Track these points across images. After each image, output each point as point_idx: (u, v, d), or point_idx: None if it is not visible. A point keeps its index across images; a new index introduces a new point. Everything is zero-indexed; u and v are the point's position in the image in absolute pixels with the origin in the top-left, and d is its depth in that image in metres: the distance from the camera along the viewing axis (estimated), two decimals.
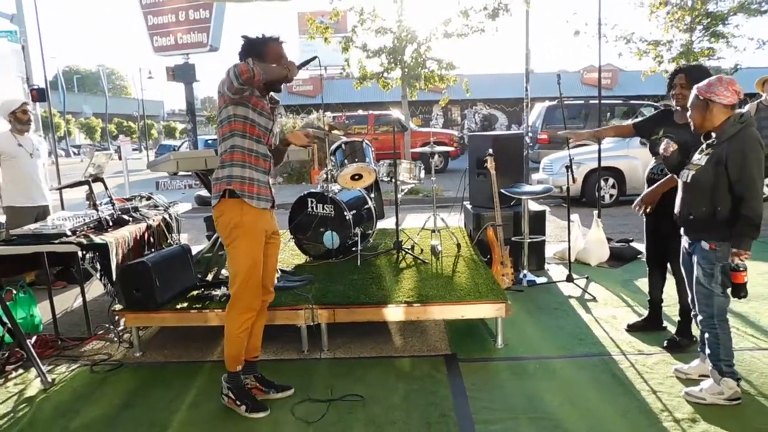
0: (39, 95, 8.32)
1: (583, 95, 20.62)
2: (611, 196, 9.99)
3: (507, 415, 2.98)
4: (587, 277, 5.33)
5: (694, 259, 3.01)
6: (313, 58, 3.16)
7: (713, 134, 2.90)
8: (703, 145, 2.98)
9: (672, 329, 3.89)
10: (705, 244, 2.91)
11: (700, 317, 3.06)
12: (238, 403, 3.04)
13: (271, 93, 3.05)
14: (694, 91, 2.94)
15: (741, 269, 2.77)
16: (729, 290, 2.87)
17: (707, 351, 3.04)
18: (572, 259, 5.58)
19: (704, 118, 2.89)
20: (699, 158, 2.95)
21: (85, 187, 4.70)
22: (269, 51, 2.95)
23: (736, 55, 12.16)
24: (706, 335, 3.02)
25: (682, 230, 3.12)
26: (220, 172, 2.94)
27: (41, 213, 5.44)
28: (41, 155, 5.63)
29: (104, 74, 48.66)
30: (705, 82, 2.91)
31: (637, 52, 12.07)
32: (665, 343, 3.75)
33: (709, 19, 11.60)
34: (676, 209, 3.09)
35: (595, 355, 3.69)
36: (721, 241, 2.86)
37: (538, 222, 5.73)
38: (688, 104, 3.00)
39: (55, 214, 4.94)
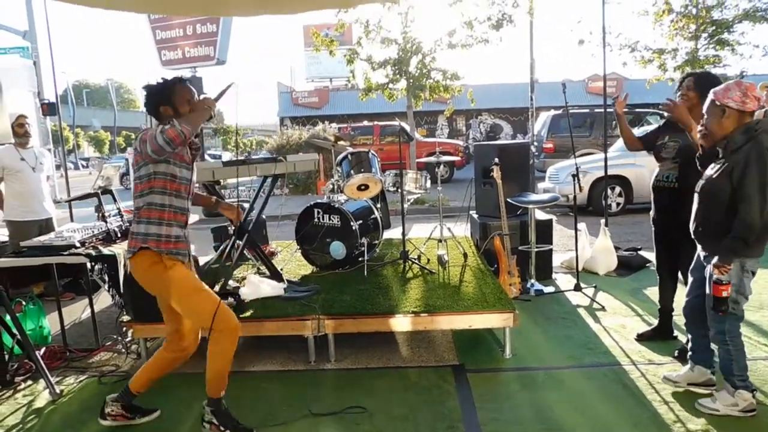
0: (49, 109, 8.43)
1: (588, 104, 20.60)
2: (618, 204, 9.95)
3: (516, 427, 2.95)
4: (595, 287, 5.30)
5: (706, 271, 2.90)
6: (230, 86, 3.11)
7: (726, 143, 2.79)
8: (721, 155, 2.87)
9: (683, 338, 3.85)
10: (717, 260, 2.82)
11: (712, 332, 2.98)
12: (222, 428, 2.90)
13: (192, 138, 2.91)
14: (710, 96, 2.82)
15: (723, 282, 2.71)
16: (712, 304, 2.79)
17: (717, 364, 2.99)
18: (580, 268, 5.56)
19: (720, 125, 2.77)
20: (713, 168, 2.88)
21: (94, 199, 4.73)
22: (178, 94, 2.90)
23: (742, 62, 12.11)
24: (718, 350, 2.97)
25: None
26: (136, 227, 2.87)
27: (44, 226, 5.46)
28: (44, 168, 5.67)
29: (113, 88, 49.18)
30: (721, 88, 2.79)
31: (642, 60, 12.06)
32: (676, 353, 3.71)
33: (714, 27, 11.59)
34: (691, 220, 3.02)
35: (605, 365, 3.66)
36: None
37: (545, 231, 5.71)
38: (704, 110, 2.88)
39: (64, 226, 4.97)
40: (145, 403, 3.16)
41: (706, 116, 2.88)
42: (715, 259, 2.77)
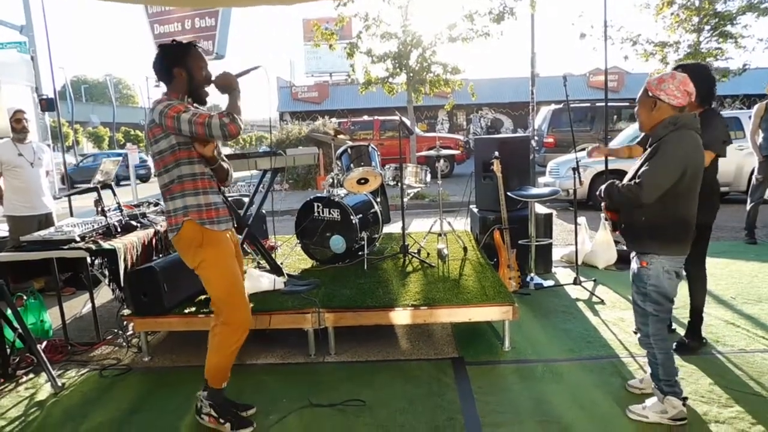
0: (48, 105, 8.42)
1: (589, 98, 20.58)
2: None
3: (514, 418, 2.97)
4: (595, 280, 5.31)
5: (632, 266, 2.89)
6: (256, 68, 3.02)
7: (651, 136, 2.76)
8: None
9: (682, 332, 3.87)
10: (636, 261, 2.81)
11: (639, 335, 2.98)
12: (221, 421, 2.89)
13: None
14: (645, 85, 2.77)
15: (609, 209, 2.94)
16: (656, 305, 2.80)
17: (648, 370, 2.96)
18: (580, 262, 5.56)
19: (649, 117, 2.74)
20: (639, 162, 2.82)
21: (94, 194, 4.73)
22: (195, 58, 2.80)
23: (745, 55, 12.14)
24: (647, 354, 2.93)
25: None
26: (171, 204, 2.79)
27: (43, 220, 5.48)
28: (43, 163, 5.68)
29: (111, 84, 49.06)
30: (657, 77, 2.73)
31: (644, 53, 12.04)
32: (674, 345, 3.71)
33: (717, 19, 11.53)
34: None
35: (603, 358, 3.67)
36: (652, 254, 2.75)
37: (545, 225, 5.72)
38: (637, 99, 2.83)
39: (63, 221, 4.98)
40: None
41: (637, 106, 2.83)
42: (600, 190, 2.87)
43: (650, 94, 2.72)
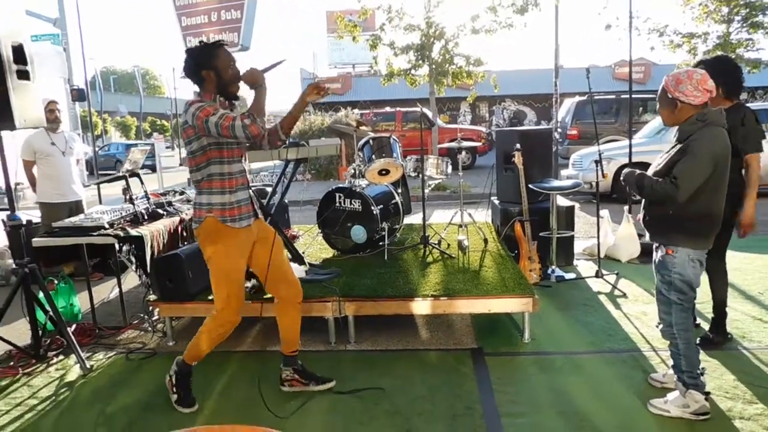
0: (78, 95, 8.60)
1: (614, 90, 20.28)
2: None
3: (533, 409, 2.98)
4: (617, 273, 5.27)
5: (655, 257, 2.91)
6: (281, 62, 3.08)
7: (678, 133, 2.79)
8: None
9: (706, 326, 3.84)
10: (662, 249, 2.82)
11: (661, 326, 2.98)
12: (174, 390, 3.13)
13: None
14: (663, 84, 2.79)
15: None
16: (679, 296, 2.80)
17: (671, 363, 2.95)
18: (602, 255, 5.52)
19: (672, 116, 2.78)
20: (662, 158, 2.86)
21: (122, 182, 4.84)
22: (222, 58, 2.88)
23: None
24: (669, 346, 2.94)
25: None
26: (199, 198, 2.96)
27: (74, 208, 5.63)
28: (74, 152, 5.82)
29: (139, 74, 49.67)
30: (674, 77, 2.74)
31: (671, 44, 11.79)
32: (698, 340, 3.67)
33: (747, 10, 11.24)
34: (641, 209, 2.99)
35: (625, 351, 3.66)
36: (677, 246, 2.76)
37: (567, 217, 5.69)
38: (657, 96, 2.85)
39: (93, 208, 5.10)
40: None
41: (658, 104, 2.86)
42: (624, 173, 2.90)
43: (669, 95, 2.73)
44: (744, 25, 11.43)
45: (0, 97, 3.44)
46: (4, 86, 3.46)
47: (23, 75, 3.63)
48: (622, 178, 2.96)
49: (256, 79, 2.91)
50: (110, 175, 5.22)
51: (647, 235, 2.99)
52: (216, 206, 2.90)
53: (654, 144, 9.38)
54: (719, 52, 11.10)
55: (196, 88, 2.97)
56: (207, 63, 2.87)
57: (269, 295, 3.86)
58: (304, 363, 3.42)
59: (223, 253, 2.94)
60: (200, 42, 2.96)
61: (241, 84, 2.97)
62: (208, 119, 2.72)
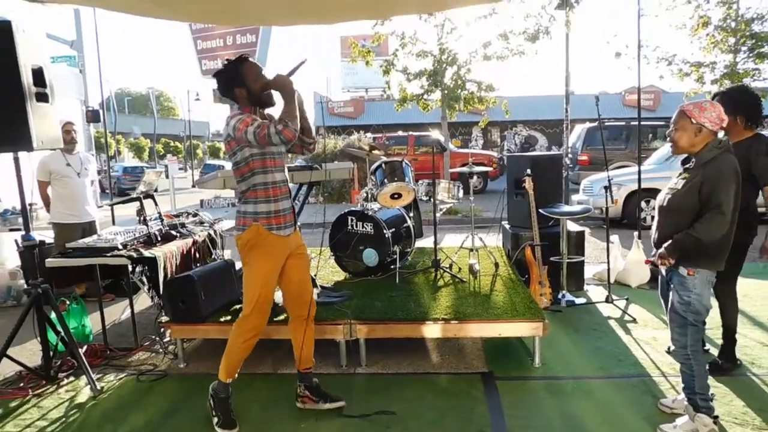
0: (93, 116, 8.75)
1: (625, 117, 20.32)
2: (652, 217, 9.75)
3: None
4: (627, 299, 5.25)
5: (672, 285, 2.94)
6: (303, 62, 3.13)
7: (693, 158, 2.88)
8: (682, 169, 2.96)
9: (715, 352, 3.80)
10: (683, 270, 2.84)
11: (673, 347, 3.00)
12: (213, 413, 3.14)
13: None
14: (683, 111, 2.86)
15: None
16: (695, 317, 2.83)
17: (683, 384, 2.96)
18: (612, 281, 5.50)
19: (692, 142, 2.85)
20: (676, 182, 2.93)
21: (136, 204, 4.90)
22: (248, 73, 3.00)
23: None
24: (681, 367, 2.95)
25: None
26: (244, 207, 3.05)
27: (87, 229, 5.69)
28: (89, 173, 5.91)
29: (153, 96, 50.51)
30: (696, 106, 2.84)
31: (680, 73, 11.86)
32: (707, 366, 3.65)
33: (753, 41, 11.33)
34: (653, 234, 3.04)
35: (635, 376, 3.64)
36: (698, 267, 2.81)
37: (577, 242, 5.69)
38: (672, 121, 2.93)
39: (106, 229, 5.16)
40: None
41: (675, 130, 2.90)
42: (662, 249, 2.84)
43: (694, 121, 2.82)
44: (750, 55, 11.50)
45: (19, 119, 3.46)
46: (23, 108, 3.47)
47: (42, 97, 3.68)
48: (670, 250, 2.83)
49: (283, 84, 2.99)
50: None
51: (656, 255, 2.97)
52: (262, 215, 3.01)
53: (663, 171, 9.36)
54: (726, 81, 11.15)
55: (233, 104, 3.11)
56: (235, 81, 3.01)
57: (280, 317, 3.90)
58: None
59: (264, 257, 3.04)
60: (226, 61, 3.07)
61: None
62: (246, 130, 2.85)
